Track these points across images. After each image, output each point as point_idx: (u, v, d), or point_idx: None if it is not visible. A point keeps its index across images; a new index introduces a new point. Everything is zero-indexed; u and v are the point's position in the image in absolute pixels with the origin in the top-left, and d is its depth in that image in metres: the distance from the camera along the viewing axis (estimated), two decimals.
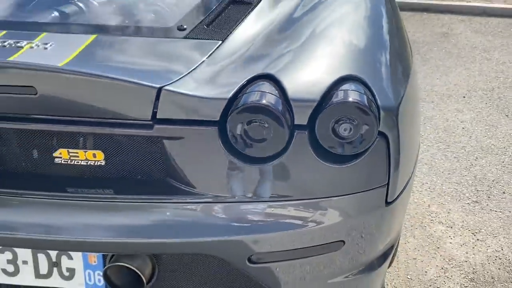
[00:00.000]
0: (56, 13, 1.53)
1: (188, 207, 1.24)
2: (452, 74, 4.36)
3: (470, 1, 6.16)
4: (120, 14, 1.55)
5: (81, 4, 1.58)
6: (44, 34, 1.36)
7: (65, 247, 1.27)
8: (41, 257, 1.31)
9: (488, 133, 3.43)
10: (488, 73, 4.36)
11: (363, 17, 1.62)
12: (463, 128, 3.50)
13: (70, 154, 1.24)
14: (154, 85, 1.15)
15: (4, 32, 1.37)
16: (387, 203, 1.32)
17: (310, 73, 1.25)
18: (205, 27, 1.42)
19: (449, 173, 2.97)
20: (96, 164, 1.24)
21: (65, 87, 1.17)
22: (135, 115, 1.17)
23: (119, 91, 1.16)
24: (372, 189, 1.28)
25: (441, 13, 5.92)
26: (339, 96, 1.17)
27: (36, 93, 1.16)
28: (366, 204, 1.30)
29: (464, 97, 3.95)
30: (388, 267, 1.65)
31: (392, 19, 1.71)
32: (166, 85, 1.16)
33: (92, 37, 1.34)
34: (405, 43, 1.70)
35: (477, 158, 3.14)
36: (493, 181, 2.90)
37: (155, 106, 1.16)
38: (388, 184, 1.30)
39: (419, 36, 5.22)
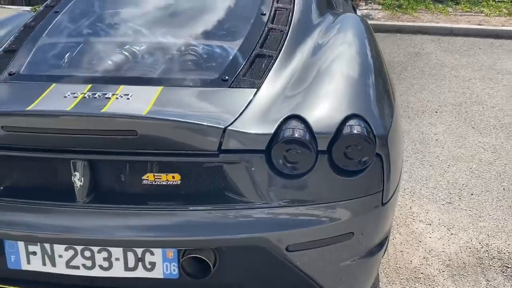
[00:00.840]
0: (124, 68, 1.86)
1: (241, 212, 1.58)
2: (425, 91, 4.61)
3: (438, 22, 6.60)
4: (171, 66, 1.87)
5: (142, 60, 1.91)
6: (122, 87, 1.69)
7: (151, 245, 1.60)
8: (130, 255, 1.62)
9: (458, 143, 3.69)
10: (456, 90, 4.63)
11: (358, 59, 1.92)
12: (436, 139, 3.76)
13: (155, 176, 1.58)
14: (220, 126, 1.51)
15: (90, 85, 1.70)
16: (383, 204, 1.66)
17: (326, 112, 1.60)
18: (242, 77, 1.77)
19: (426, 179, 3.24)
20: (173, 183, 1.59)
21: (155, 129, 1.51)
22: (206, 147, 1.53)
23: (193, 131, 1.51)
24: (372, 194, 1.62)
25: (413, 34, 6.22)
26: (347, 130, 1.53)
27: (137, 134, 1.51)
28: (368, 204, 1.63)
29: (436, 112, 4.21)
30: (382, 256, 1.89)
31: (377, 56, 2.01)
32: (228, 125, 1.51)
33: (160, 88, 1.69)
34: (387, 75, 1.99)
35: (449, 165, 3.41)
36: (463, 185, 3.18)
37: (221, 140, 1.51)
38: (383, 190, 1.63)
39: (394, 57, 5.49)
